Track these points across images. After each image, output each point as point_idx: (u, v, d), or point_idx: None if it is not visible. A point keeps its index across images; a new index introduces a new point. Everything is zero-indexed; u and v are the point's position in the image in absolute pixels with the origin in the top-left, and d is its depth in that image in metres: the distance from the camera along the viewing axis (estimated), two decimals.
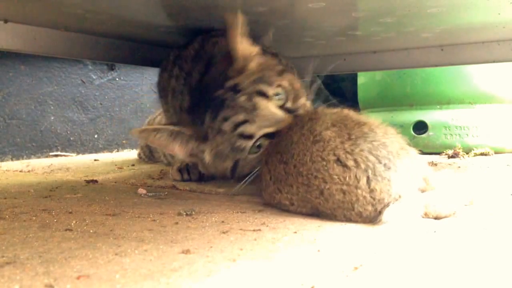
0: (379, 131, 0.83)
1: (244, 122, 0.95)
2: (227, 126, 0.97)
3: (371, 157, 0.78)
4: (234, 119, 0.96)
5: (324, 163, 0.79)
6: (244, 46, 1.01)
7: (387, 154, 0.79)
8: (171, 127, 1.02)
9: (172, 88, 1.28)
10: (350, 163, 0.78)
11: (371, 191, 0.76)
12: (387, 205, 0.76)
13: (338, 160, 0.79)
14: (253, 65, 1.01)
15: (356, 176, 0.77)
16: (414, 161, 0.83)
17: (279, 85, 0.99)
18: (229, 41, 1.00)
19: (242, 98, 0.96)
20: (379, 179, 0.76)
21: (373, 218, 0.76)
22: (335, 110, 0.93)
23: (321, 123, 0.86)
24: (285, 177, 0.85)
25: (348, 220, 0.78)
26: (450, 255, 0.60)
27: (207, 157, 1.04)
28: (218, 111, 0.98)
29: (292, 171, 0.83)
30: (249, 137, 0.95)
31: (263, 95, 0.97)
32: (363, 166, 0.77)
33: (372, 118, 0.89)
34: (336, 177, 0.78)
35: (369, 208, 0.76)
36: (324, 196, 0.79)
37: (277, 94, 0.98)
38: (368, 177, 0.76)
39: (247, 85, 0.98)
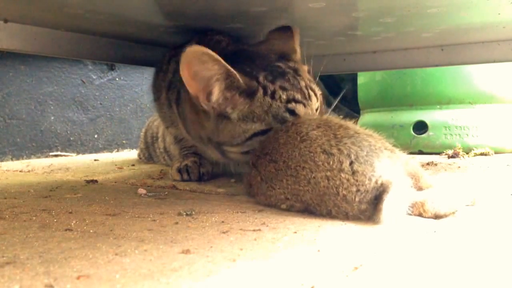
0: (363, 132, 0.88)
1: (300, 102, 1.03)
2: (282, 95, 1.03)
3: (354, 147, 0.82)
4: (292, 94, 1.04)
5: (311, 154, 0.83)
6: (299, 51, 1.17)
7: (369, 146, 0.83)
8: (229, 67, 0.98)
9: (168, 82, 1.28)
10: (334, 150, 0.82)
11: (354, 173, 0.79)
12: (375, 192, 0.77)
13: (324, 151, 0.83)
14: (305, 68, 1.15)
15: (339, 160, 0.81)
16: (399, 157, 0.86)
17: (320, 94, 1.10)
18: (292, 37, 1.16)
19: (303, 83, 1.06)
20: (361, 161, 0.80)
21: (358, 203, 0.77)
22: (316, 116, 1.02)
23: (306, 126, 0.90)
24: (276, 174, 0.88)
25: (337, 207, 0.79)
26: (450, 255, 0.60)
27: (235, 114, 1.02)
28: (277, 77, 1.05)
29: (281, 166, 0.87)
30: (296, 115, 1.02)
31: (314, 93, 1.08)
32: (346, 152, 0.82)
33: (351, 122, 0.95)
34: (320, 163, 0.82)
35: (353, 189, 0.78)
36: (311, 185, 0.81)
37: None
38: (351, 162, 0.80)
39: (305, 77, 1.09)
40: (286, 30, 1.17)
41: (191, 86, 1.01)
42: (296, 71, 1.09)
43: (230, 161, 1.19)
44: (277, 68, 1.07)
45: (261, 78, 1.04)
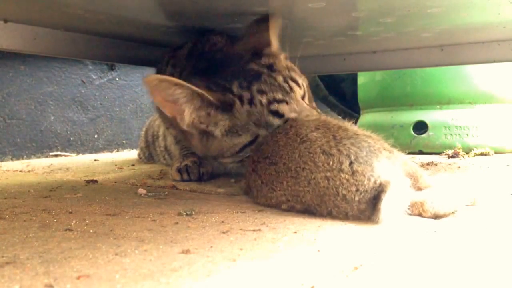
0: (362, 133, 0.88)
1: (281, 101, 1.00)
2: (262, 99, 1.00)
3: (353, 147, 0.83)
4: (272, 95, 1.00)
5: (311, 155, 0.83)
6: (276, 41, 1.10)
7: (368, 147, 0.83)
8: (194, 87, 0.96)
9: None
10: (334, 151, 0.82)
11: (353, 173, 0.79)
12: (374, 192, 0.77)
13: (324, 152, 0.83)
14: (283, 57, 1.09)
15: (339, 160, 0.81)
16: (397, 158, 0.86)
17: (303, 80, 1.06)
18: (267, 29, 1.09)
19: (280, 78, 1.02)
20: (361, 162, 0.80)
21: (358, 203, 0.77)
22: (314, 117, 0.99)
23: (305, 127, 0.90)
24: (276, 176, 0.87)
25: (337, 207, 0.79)
26: (450, 255, 0.60)
27: (218, 131, 1.01)
28: (252, 82, 1.01)
29: (281, 168, 0.87)
30: (281, 116, 1.00)
31: (296, 82, 1.03)
32: (345, 152, 0.82)
33: (350, 123, 0.94)
34: (320, 164, 0.82)
35: (353, 189, 0.78)
36: (311, 186, 0.81)
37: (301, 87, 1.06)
38: (350, 162, 0.80)
39: (282, 69, 1.04)
40: (263, 22, 1.12)
41: (166, 110, 1.01)
42: (270, 68, 1.04)
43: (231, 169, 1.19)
44: (250, 72, 1.04)
45: (235, 89, 1.01)
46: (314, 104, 1.11)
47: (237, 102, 1.00)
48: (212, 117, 1.01)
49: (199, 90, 0.97)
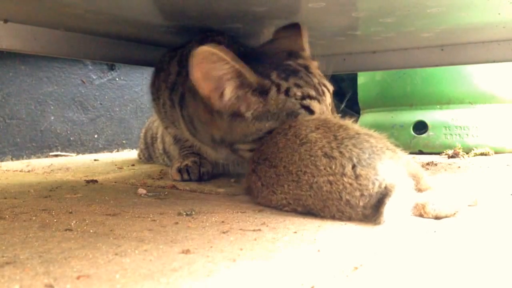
0: (364, 132, 0.86)
1: (314, 98, 1.03)
2: (297, 92, 1.02)
3: (355, 149, 0.80)
4: (307, 90, 1.03)
5: (312, 158, 0.82)
6: (308, 48, 1.17)
7: (371, 147, 0.81)
8: (238, 65, 0.97)
9: (171, 83, 1.28)
10: (336, 154, 0.80)
11: (357, 177, 0.77)
12: (379, 196, 0.76)
13: (325, 154, 0.81)
14: (315, 64, 1.14)
15: (341, 164, 0.79)
16: (400, 158, 0.85)
17: (332, 89, 1.10)
18: (300, 35, 1.16)
19: (315, 80, 1.06)
20: (364, 165, 0.78)
21: (362, 208, 0.76)
22: (314, 116, 0.98)
23: (304, 128, 0.88)
24: (277, 179, 0.86)
25: (340, 212, 0.78)
26: (450, 255, 0.60)
27: (249, 113, 1.01)
28: (289, 75, 1.05)
29: (282, 171, 0.85)
30: (311, 112, 1.02)
31: (327, 89, 1.07)
32: (347, 155, 0.80)
33: (350, 121, 0.92)
34: (322, 168, 0.80)
35: (357, 194, 0.76)
36: (313, 190, 0.80)
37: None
38: (353, 165, 0.78)
39: (316, 74, 1.09)
40: (293, 28, 1.17)
41: (203, 88, 1.00)
42: (307, 68, 1.08)
43: (239, 159, 1.18)
44: (288, 67, 1.07)
45: (273, 77, 1.03)
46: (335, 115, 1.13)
47: (274, 88, 1.02)
48: (248, 98, 1.01)
49: (243, 69, 0.98)
